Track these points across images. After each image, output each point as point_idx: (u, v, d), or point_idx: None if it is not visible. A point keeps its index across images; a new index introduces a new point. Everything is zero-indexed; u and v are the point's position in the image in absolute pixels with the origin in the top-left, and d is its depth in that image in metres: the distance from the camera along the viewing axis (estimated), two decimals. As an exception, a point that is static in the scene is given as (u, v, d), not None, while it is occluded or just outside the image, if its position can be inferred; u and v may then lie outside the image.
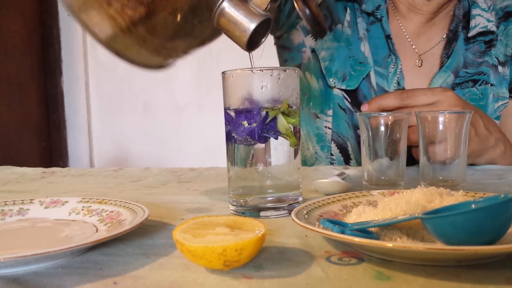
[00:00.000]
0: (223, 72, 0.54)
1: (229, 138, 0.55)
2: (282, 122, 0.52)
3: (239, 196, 0.55)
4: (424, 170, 0.63)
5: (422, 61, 0.92)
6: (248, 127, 0.52)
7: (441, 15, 0.93)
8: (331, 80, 0.93)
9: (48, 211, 0.54)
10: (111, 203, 0.52)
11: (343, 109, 0.93)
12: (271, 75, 0.52)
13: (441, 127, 0.61)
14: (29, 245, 0.45)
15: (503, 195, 0.37)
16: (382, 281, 0.34)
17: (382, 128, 0.62)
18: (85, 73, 2.59)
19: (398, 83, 0.90)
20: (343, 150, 0.95)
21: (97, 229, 0.47)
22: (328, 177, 0.65)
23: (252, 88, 0.52)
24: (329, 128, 0.95)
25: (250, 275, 0.35)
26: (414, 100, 0.71)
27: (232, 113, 0.53)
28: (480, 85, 0.91)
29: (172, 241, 0.38)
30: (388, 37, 0.90)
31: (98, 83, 2.60)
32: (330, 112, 0.94)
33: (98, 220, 0.50)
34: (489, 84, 0.91)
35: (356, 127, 0.93)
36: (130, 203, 0.51)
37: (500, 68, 0.92)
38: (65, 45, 2.57)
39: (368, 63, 0.91)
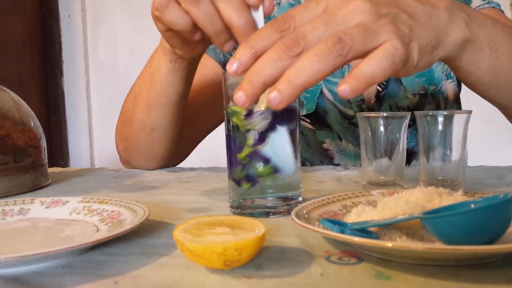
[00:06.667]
0: (223, 73, 0.55)
1: (229, 138, 0.55)
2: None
3: (239, 196, 0.55)
4: (423, 170, 0.63)
5: None
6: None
7: None
8: None
9: (49, 211, 0.54)
10: (111, 203, 0.52)
11: (300, 132, 0.94)
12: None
13: (440, 127, 0.61)
14: (30, 244, 0.45)
15: (502, 195, 0.37)
16: (382, 280, 0.34)
17: (382, 128, 0.62)
18: (85, 73, 2.59)
19: None
20: None
21: (97, 229, 0.47)
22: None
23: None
24: None
25: (250, 275, 0.36)
26: (294, 21, 0.42)
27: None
28: None
29: (172, 241, 0.39)
30: None
31: (99, 83, 2.60)
32: None
33: (99, 220, 0.50)
34: None
35: (320, 143, 0.92)
36: (130, 203, 0.51)
37: None
38: (66, 45, 2.57)
39: None
